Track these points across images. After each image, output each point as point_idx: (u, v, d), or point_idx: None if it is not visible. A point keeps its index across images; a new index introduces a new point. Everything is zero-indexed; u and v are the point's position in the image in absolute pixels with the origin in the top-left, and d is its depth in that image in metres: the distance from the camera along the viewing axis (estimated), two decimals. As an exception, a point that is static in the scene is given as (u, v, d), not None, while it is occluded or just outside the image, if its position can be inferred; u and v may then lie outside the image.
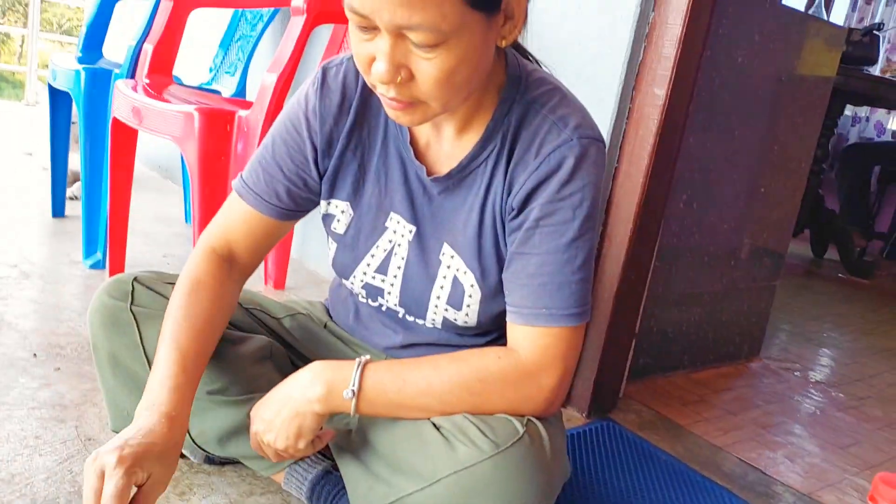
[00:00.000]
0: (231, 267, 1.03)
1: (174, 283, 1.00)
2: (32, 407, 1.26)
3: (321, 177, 1.02)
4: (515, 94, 0.93)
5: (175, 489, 1.11)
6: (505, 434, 0.86)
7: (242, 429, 1.03)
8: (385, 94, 0.82)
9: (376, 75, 0.80)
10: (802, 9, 3.09)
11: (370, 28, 0.78)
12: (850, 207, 4.26)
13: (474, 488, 0.84)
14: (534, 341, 0.91)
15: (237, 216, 1.03)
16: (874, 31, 3.28)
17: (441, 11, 0.74)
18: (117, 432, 1.09)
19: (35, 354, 1.46)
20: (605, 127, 1.48)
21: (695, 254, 1.91)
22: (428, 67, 0.78)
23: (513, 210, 0.92)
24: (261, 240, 1.05)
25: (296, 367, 0.98)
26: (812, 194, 3.53)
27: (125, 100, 1.71)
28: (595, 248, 0.93)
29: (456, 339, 1.04)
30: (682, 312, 1.95)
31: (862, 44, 3.25)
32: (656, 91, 1.44)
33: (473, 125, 0.94)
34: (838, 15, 4.97)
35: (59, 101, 2.36)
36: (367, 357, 0.92)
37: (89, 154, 1.98)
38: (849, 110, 4.82)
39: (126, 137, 1.84)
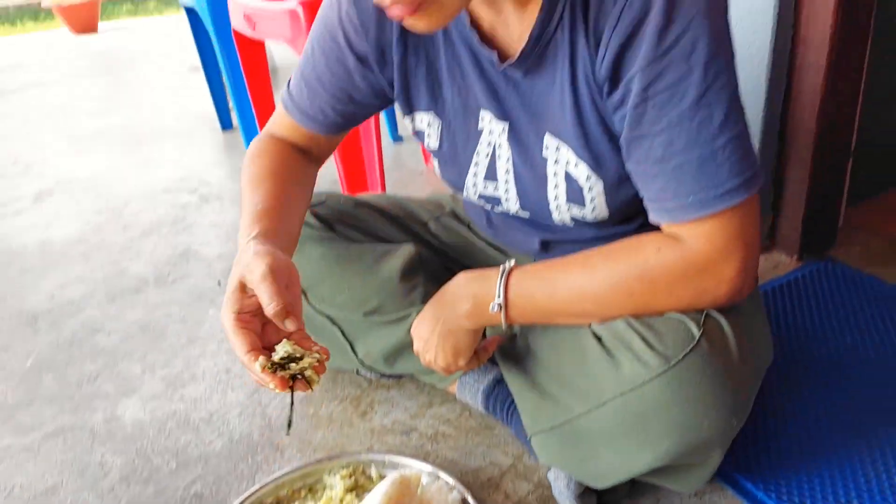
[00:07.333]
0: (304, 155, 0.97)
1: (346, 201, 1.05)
2: (221, 339, 1.33)
3: (375, 90, 0.88)
4: None
5: (357, 408, 1.11)
6: (676, 342, 0.72)
7: (407, 346, 0.99)
8: (383, 3, 0.64)
9: None
10: None
11: None
12: None
13: (645, 412, 0.72)
14: (694, 234, 0.72)
15: (288, 130, 0.95)
16: None
17: None
18: None
19: (219, 282, 1.53)
20: None
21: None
22: None
23: (606, 82, 0.70)
24: (321, 147, 0.97)
25: (449, 272, 0.91)
26: None
27: (237, 7, 1.63)
28: (737, 88, 0.69)
29: (596, 232, 0.88)
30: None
31: None
32: None
33: None
34: None
35: (195, 17, 2.36)
36: (511, 263, 0.81)
37: (228, 67, 1.97)
38: None
39: (252, 49, 1.79)
